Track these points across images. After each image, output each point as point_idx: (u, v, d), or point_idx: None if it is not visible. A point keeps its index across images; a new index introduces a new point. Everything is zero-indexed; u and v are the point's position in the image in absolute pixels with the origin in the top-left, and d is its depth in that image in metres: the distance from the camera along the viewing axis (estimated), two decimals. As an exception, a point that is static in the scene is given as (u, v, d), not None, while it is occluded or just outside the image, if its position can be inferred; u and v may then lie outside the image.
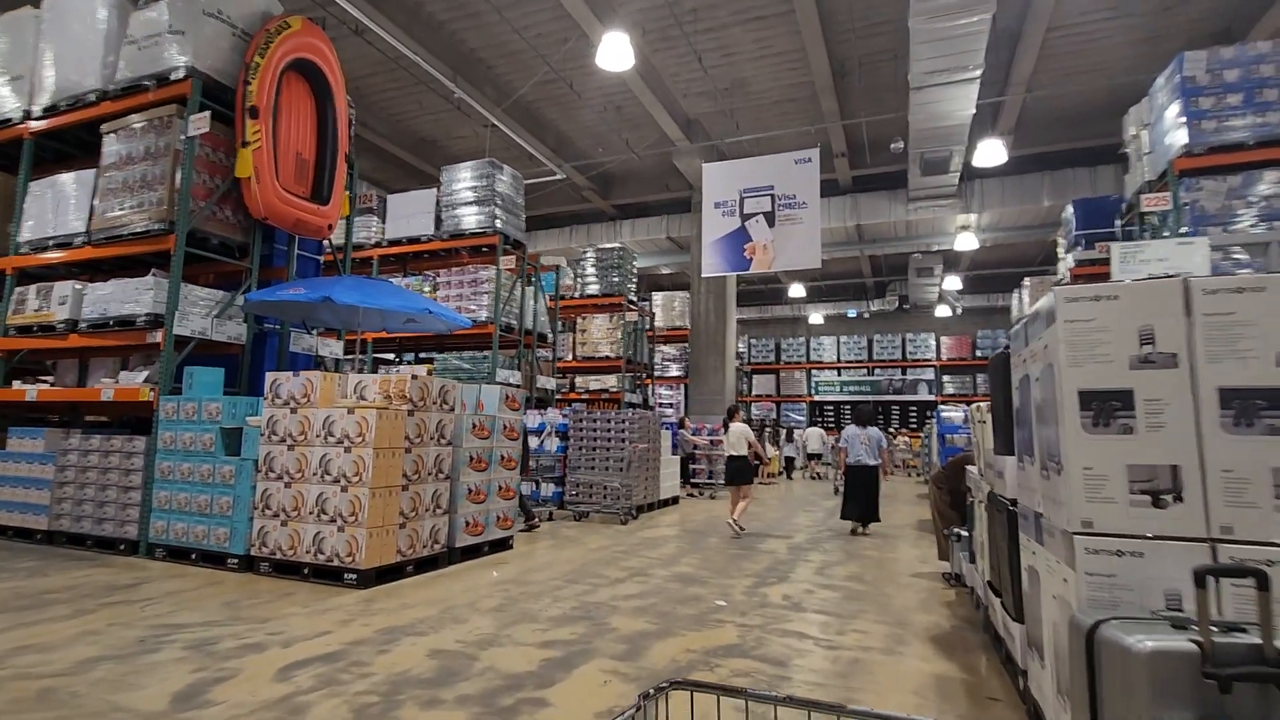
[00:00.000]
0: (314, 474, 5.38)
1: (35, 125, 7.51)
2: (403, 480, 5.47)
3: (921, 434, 20.29)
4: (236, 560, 5.63)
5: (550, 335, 13.27)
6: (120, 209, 6.79)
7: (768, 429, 18.46)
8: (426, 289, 11.91)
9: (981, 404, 4.60)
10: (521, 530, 7.99)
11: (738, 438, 8.82)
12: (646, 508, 10.22)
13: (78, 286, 6.96)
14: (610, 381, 16.40)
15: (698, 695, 1.23)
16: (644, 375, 17.21)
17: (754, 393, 27.41)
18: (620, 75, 12.29)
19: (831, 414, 26.14)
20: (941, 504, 6.19)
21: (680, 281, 23.75)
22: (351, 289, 6.10)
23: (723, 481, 9.68)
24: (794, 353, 27.77)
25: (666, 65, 12.85)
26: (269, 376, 5.75)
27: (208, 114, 6.53)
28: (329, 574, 5.24)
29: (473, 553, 6.38)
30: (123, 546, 6.23)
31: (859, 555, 7.12)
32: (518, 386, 11.76)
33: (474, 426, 6.38)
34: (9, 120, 7.74)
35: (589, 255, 16.09)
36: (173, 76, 6.72)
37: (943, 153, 12.71)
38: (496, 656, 3.65)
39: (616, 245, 16.24)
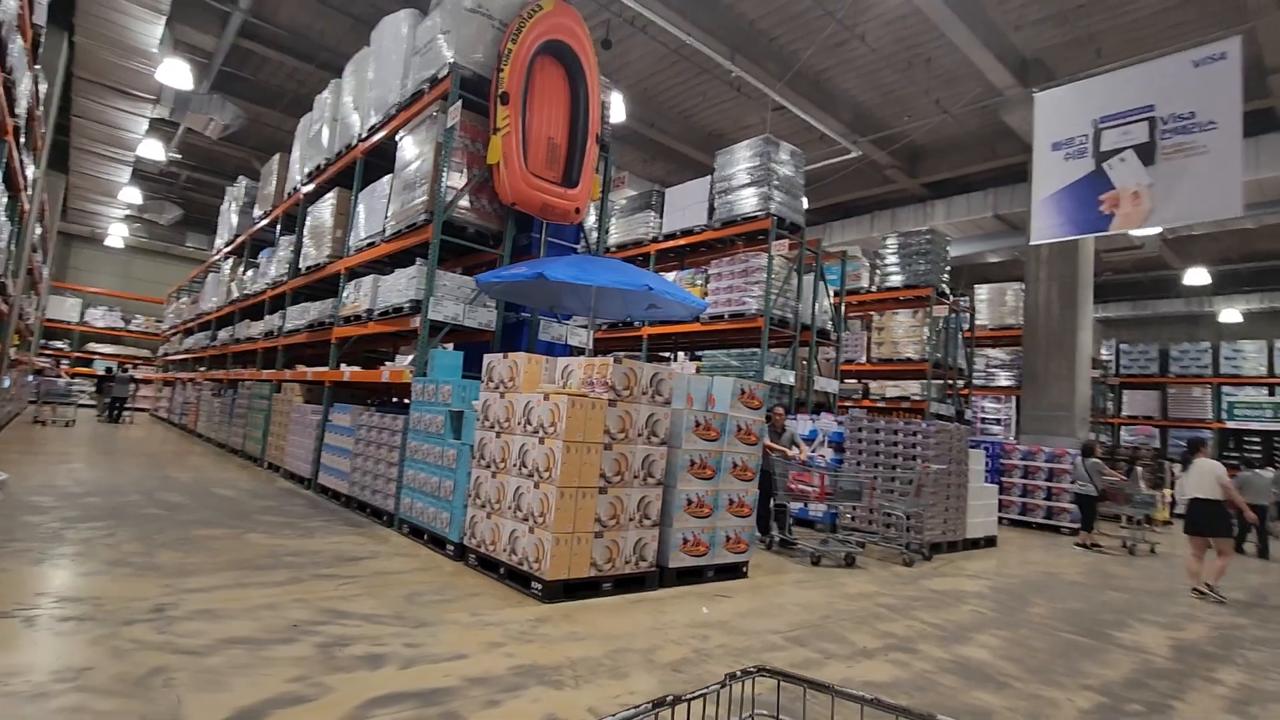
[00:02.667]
0: (514, 465, 4.89)
1: (362, 145, 8.75)
2: (600, 481, 4.66)
3: None
4: (452, 548, 5.46)
5: (835, 332, 11.57)
6: (402, 207, 7.39)
7: (1141, 462, 13.62)
8: (699, 282, 11.29)
9: None
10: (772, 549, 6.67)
11: (1206, 478, 6.71)
12: (946, 547, 7.95)
13: (375, 278, 7.80)
14: (913, 388, 13.86)
15: (784, 685, 1.22)
16: (959, 383, 14.20)
17: (1123, 413, 21.19)
18: (927, 15, 10.08)
19: (1257, 446, 18.75)
20: None
21: (1013, 272, 19.44)
22: (568, 265, 5.56)
23: (1185, 530, 6.89)
24: (1191, 362, 20.71)
25: (990, -11, 10.18)
26: (485, 359, 5.50)
27: (459, 104, 6.69)
28: (520, 578, 4.67)
29: (691, 576, 5.29)
30: (385, 519, 6.65)
31: (1323, 686, 4.15)
32: (790, 387, 10.39)
33: (697, 425, 5.31)
34: (350, 144, 9.19)
35: (890, 242, 13.83)
36: (440, 75, 7.08)
37: None
38: (620, 753, 2.50)
39: (924, 229, 13.68)
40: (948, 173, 15.76)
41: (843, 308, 12.10)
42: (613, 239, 13.01)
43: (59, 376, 18.85)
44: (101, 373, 21.97)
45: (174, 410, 18.85)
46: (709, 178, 11.46)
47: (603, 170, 8.25)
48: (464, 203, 6.99)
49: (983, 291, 16.29)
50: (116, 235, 24.04)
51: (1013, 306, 15.58)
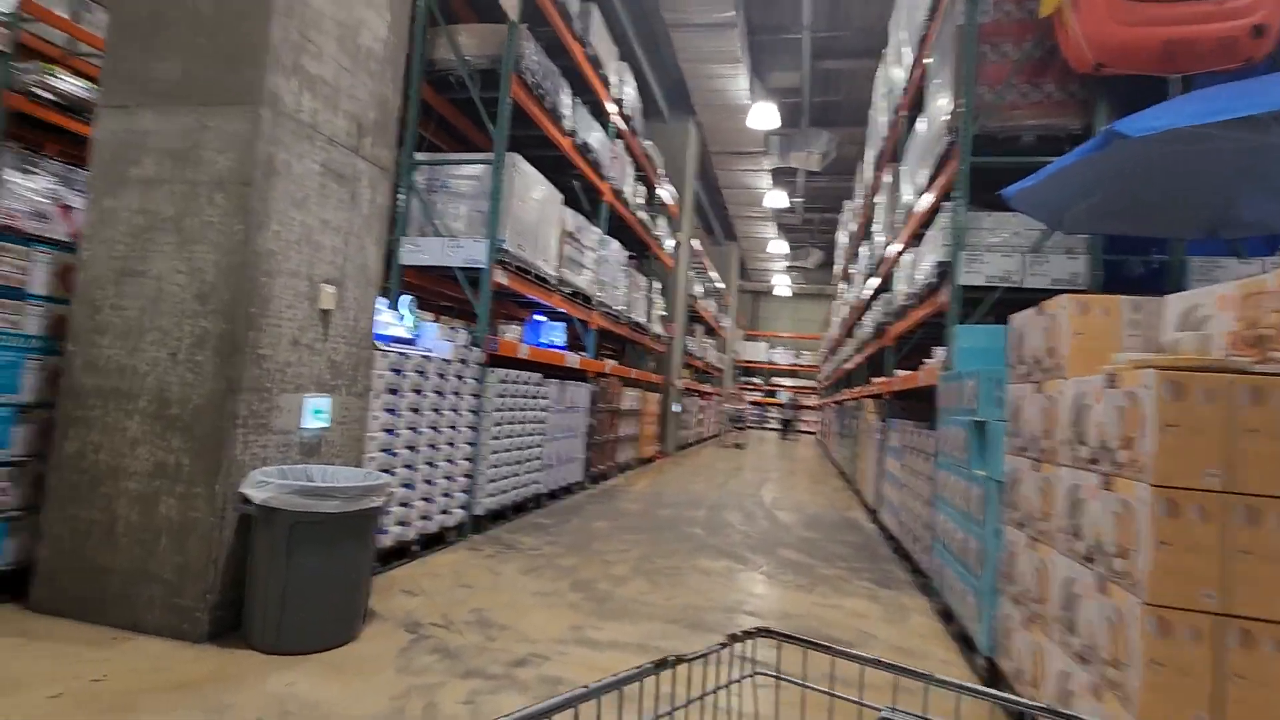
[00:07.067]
0: (1060, 529, 2.33)
1: (903, 100, 7.05)
2: (1305, 606, 1.65)
3: None
4: (983, 663, 3.09)
5: None
6: (930, 145, 5.35)
7: None
8: None
9: None
10: None
11: None
12: None
13: (913, 253, 5.91)
14: None
15: (785, 646, 1.16)
16: None
17: None
18: None
19: None
20: None
21: None
22: (1186, 103, 2.51)
23: None
24: None
25: None
26: (1012, 319, 3.01)
27: (976, -56, 4.32)
28: (1082, 790, 2.07)
29: None
30: (923, 582, 4.61)
31: None
32: None
33: None
34: (897, 109, 7.60)
35: None
36: (956, -68, 4.84)
37: None
38: None
39: None
40: None
41: None
42: None
43: (736, 406, 23.23)
44: (780, 401, 26.69)
45: (822, 432, 20.50)
46: None
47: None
48: (1009, 99, 4.48)
49: None
50: (781, 285, 28.58)
51: None
